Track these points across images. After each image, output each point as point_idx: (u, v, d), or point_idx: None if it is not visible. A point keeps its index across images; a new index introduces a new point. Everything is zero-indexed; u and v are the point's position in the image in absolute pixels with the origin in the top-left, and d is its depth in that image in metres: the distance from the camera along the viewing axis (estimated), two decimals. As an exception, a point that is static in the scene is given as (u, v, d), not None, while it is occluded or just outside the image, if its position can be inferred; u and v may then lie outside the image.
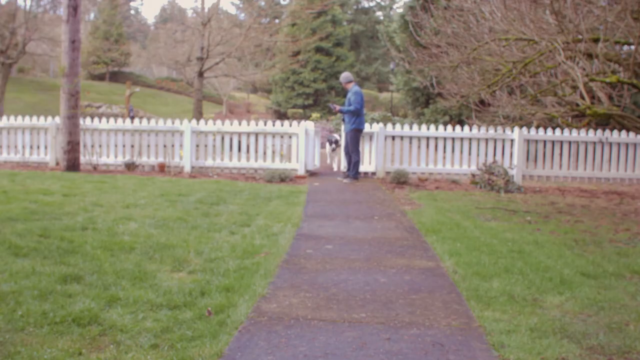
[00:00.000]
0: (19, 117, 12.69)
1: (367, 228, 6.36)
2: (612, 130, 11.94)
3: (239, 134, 12.06)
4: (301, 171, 11.67)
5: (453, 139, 11.79)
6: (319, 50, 35.26)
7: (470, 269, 4.57)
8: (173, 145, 12.20)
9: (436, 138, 11.78)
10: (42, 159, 12.42)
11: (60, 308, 3.34)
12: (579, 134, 11.81)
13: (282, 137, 12.04)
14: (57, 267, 4.21)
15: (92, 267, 4.23)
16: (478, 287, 4.08)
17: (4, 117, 12.80)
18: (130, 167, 11.98)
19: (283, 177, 10.92)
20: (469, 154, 11.85)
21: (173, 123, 12.41)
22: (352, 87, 10.67)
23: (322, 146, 17.21)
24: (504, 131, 11.42)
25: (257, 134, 12.02)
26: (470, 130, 11.73)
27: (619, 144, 11.94)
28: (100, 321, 3.20)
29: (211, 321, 3.27)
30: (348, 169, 10.95)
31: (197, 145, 12.27)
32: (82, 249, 4.74)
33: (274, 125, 12.11)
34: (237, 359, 2.83)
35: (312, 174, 12.07)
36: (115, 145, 12.33)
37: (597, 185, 11.80)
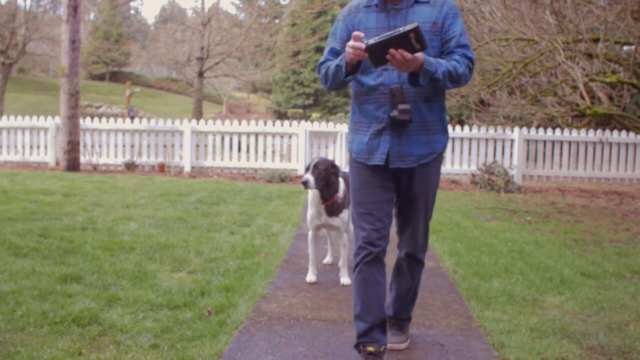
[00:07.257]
0: (19, 117, 12.69)
1: (367, 228, 6.34)
2: (612, 130, 11.94)
3: (239, 134, 12.06)
4: (301, 171, 11.67)
5: (453, 139, 11.78)
6: (319, 50, 35.19)
7: (470, 269, 4.57)
8: (173, 145, 12.20)
9: (436, 138, 11.77)
10: (42, 159, 12.42)
11: (60, 308, 3.33)
12: (579, 134, 11.81)
13: (282, 137, 12.04)
14: (57, 267, 4.20)
15: (92, 267, 4.23)
16: (478, 287, 4.08)
17: (4, 117, 12.80)
18: (130, 167, 11.98)
19: (283, 177, 10.92)
20: (469, 154, 11.85)
21: (173, 123, 12.41)
22: None
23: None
24: (504, 131, 11.42)
25: (257, 134, 12.02)
26: (470, 130, 11.73)
27: (619, 144, 11.94)
28: (100, 321, 3.20)
29: (211, 321, 3.27)
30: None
31: (197, 145, 12.27)
32: (82, 249, 4.74)
33: (274, 125, 12.11)
34: (237, 359, 2.83)
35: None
36: (115, 145, 12.33)
37: (597, 185, 11.79)
